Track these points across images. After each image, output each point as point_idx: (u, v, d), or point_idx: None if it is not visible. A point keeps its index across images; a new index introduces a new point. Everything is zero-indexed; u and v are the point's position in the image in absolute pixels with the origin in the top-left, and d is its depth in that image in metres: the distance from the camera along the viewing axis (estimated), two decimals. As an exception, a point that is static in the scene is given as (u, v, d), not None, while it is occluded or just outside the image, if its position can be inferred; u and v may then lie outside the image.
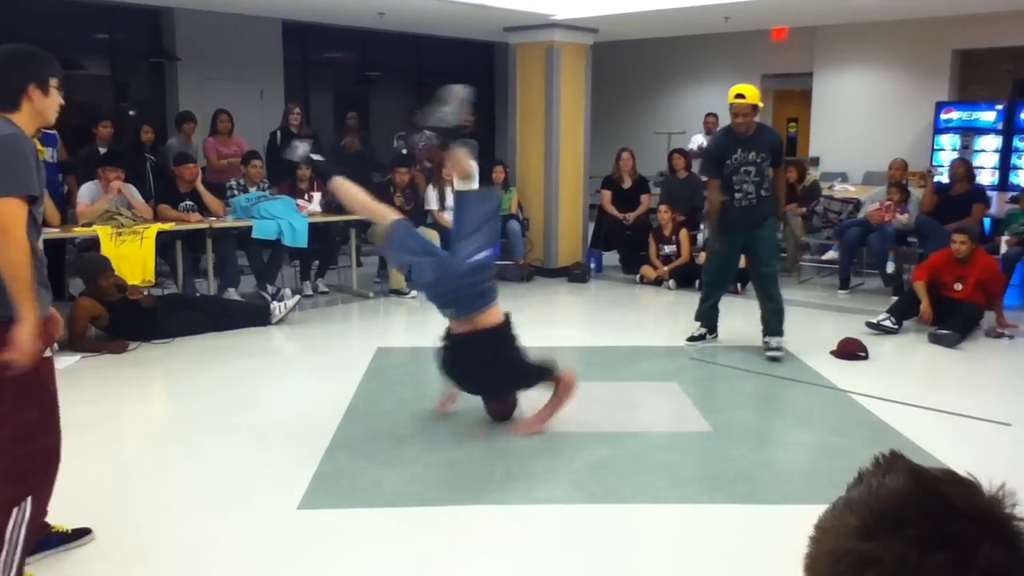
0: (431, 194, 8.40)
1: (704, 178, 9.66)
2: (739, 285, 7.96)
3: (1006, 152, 10.31)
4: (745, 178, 5.64)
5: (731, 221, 5.73)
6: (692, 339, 6.18)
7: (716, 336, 6.23)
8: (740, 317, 6.37)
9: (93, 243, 6.40)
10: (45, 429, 2.68)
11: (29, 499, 2.60)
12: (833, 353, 5.79)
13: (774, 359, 5.68)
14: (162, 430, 4.62)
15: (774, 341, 5.79)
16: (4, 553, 2.57)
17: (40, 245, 2.77)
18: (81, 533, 3.09)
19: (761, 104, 5.68)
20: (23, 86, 2.69)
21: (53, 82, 2.76)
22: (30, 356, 2.55)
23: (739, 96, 5.53)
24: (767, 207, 5.73)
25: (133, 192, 6.92)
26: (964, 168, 8.09)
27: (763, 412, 4.88)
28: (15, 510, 2.58)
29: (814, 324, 6.50)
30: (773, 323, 5.83)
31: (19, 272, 2.52)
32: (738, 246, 5.90)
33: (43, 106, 2.74)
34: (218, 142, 8.47)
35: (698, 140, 10.32)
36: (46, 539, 2.94)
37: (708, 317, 6.20)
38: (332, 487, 3.69)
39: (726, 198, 5.70)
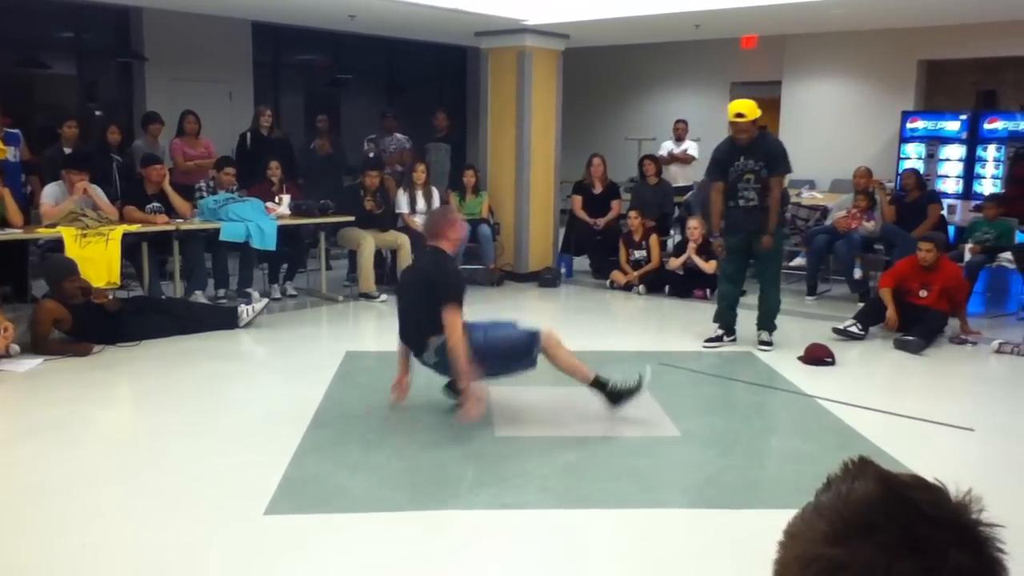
0: (402, 198, 8.38)
1: (676, 182, 9.83)
2: (707, 291, 8.02)
3: (970, 161, 10.49)
4: (747, 185, 5.95)
5: (733, 221, 6.05)
6: (709, 340, 6.28)
7: (734, 338, 6.30)
8: (709, 323, 6.40)
9: (57, 244, 6.30)
10: None
11: None
12: (800, 359, 5.84)
13: (763, 349, 6.11)
14: (127, 434, 4.56)
15: (763, 335, 6.19)
16: None
17: None
18: None
19: (759, 114, 5.90)
20: None
21: None
22: None
23: (739, 116, 5.83)
24: (766, 218, 5.94)
25: (99, 193, 6.81)
26: (914, 178, 8.43)
27: (731, 417, 4.91)
28: None
29: (781, 330, 6.53)
30: (764, 320, 6.19)
31: None
32: (743, 246, 6.09)
33: None
34: (185, 143, 8.38)
35: (668, 146, 10.39)
36: None
37: (724, 318, 6.30)
38: (300, 492, 3.65)
39: (731, 203, 6.02)
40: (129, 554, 3.10)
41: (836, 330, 6.46)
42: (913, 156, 10.69)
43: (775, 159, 5.91)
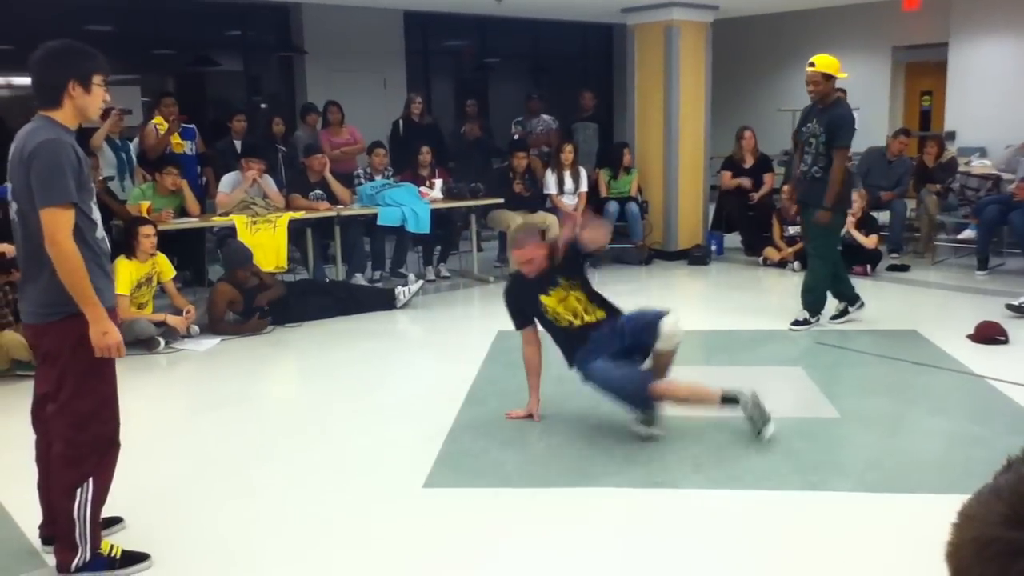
0: (550, 178, 8.43)
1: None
2: (867, 267, 7.70)
3: None
4: (807, 150, 5.72)
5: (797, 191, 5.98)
6: (797, 323, 6.04)
7: (817, 319, 6.03)
8: (868, 301, 6.15)
9: (230, 231, 6.73)
10: (100, 418, 2.83)
11: (89, 481, 2.80)
12: (970, 337, 5.53)
13: (793, 329, 5.90)
14: (295, 409, 4.83)
15: (800, 315, 5.95)
16: (78, 530, 2.81)
17: (100, 235, 2.86)
18: (135, 559, 2.96)
19: (840, 75, 5.65)
20: (63, 82, 2.69)
21: (96, 79, 2.75)
22: (104, 349, 2.72)
23: (810, 64, 5.66)
24: (817, 189, 5.64)
25: (268, 182, 7.22)
26: None
27: (894, 398, 4.71)
28: (78, 491, 2.79)
29: (950, 307, 6.21)
30: (802, 295, 5.97)
31: (73, 279, 2.65)
32: (806, 217, 5.91)
33: (84, 103, 2.74)
34: (330, 133, 8.72)
35: (824, 117, 9.98)
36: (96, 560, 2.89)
37: (838, 295, 6.13)
38: (456, 466, 3.79)
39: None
40: (296, 522, 3.30)
41: (1010, 306, 6.06)
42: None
43: (835, 129, 5.53)
